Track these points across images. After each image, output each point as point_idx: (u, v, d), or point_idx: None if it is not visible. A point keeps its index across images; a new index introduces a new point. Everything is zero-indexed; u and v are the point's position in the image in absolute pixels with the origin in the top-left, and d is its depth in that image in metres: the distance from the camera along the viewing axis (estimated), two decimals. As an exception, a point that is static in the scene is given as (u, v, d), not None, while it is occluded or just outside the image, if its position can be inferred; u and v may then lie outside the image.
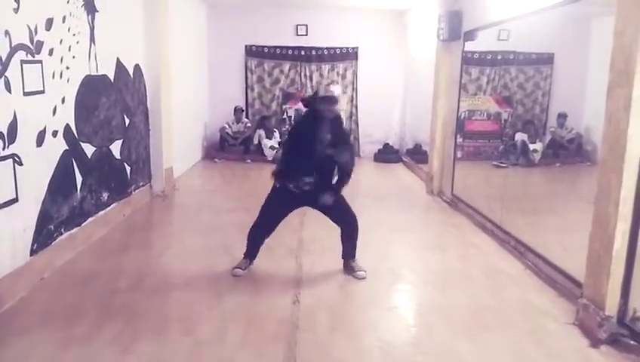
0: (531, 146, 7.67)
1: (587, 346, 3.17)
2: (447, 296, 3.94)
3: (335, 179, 4.09)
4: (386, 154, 10.28)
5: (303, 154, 3.93)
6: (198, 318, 3.42)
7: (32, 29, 3.85)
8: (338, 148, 3.98)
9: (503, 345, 3.21)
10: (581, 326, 3.35)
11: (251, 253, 4.27)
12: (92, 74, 4.93)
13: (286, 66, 10.44)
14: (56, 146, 4.29)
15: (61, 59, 4.31)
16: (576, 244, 3.58)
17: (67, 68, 4.41)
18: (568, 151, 7.57)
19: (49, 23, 4.09)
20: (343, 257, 4.31)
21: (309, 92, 10.36)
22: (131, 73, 5.97)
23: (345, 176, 4.09)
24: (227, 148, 9.91)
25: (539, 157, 7.69)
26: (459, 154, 7.06)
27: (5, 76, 3.52)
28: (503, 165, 7.36)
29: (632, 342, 3.08)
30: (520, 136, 7.78)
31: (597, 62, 5.94)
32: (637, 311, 3.12)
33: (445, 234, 5.58)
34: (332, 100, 4.01)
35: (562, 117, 7.59)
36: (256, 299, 3.78)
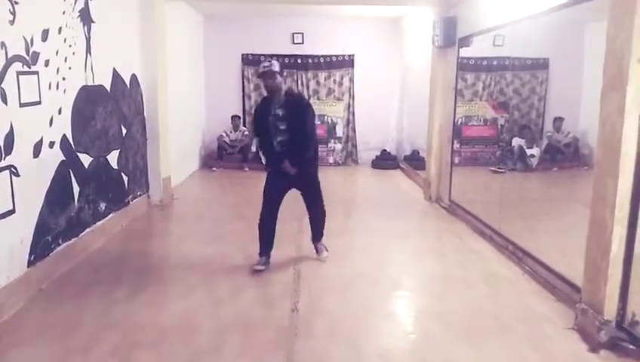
0: (528, 151, 7.70)
1: (586, 351, 3.16)
2: (445, 302, 3.93)
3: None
4: (384, 161, 10.29)
5: (261, 130, 4.39)
6: (197, 327, 3.41)
7: (28, 41, 3.86)
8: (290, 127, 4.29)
9: (502, 351, 3.21)
10: (580, 330, 3.35)
11: (265, 247, 4.49)
12: (88, 84, 4.94)
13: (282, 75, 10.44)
14: (53, 157, 4.29)
15: (57, 70, 4.32)
16: (575, 249, 3.58)
17: (63, 79, 4.42)
18: (565, 156, 7.59)
19: (45, 34, 4.10)
20: (313, 240, 4.75)
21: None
22: (128, 83, 5.98)
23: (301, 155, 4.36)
24: (225, 156, 9.91)
25: (536, 161, 7.71)
26: (456, 160, 7.07)
27: (1, 87, 3.53)
28: (501, 170, 7.37)
29: (630, 346, 3.08)
30: (517, 141, 7.81)
31: (591, 67, 5.98)
32: (635, 315, 3.11)
33: (443, 240, 5.57)
34: (265, 75, 4.20)
35: (558, 121, 7.63)
36: (255, 307, 3.78)
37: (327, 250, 4.72)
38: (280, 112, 4.26)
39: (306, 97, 4.08)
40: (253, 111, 4.82)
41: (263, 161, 4.79)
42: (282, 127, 4.28)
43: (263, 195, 4.49)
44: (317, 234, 4.74)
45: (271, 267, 4.49)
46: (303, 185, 4.53)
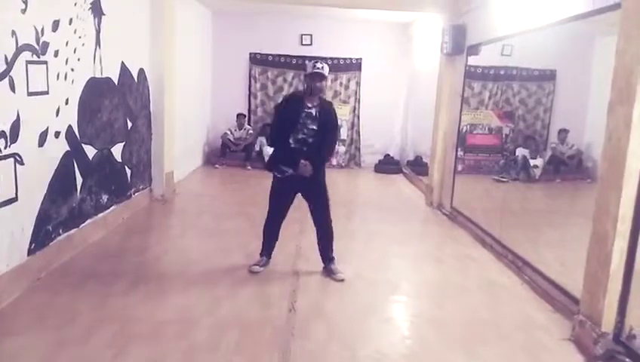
0: (532, 162, 7.68)
1: (582, 363, 3.16)
2: (443, 309, 3.93)
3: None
4: (387, 165, 10.30)
5: (287, 125, 4.22)
6: (194, 323, 3.42)
7: (39, 30, 3.88)
8: (323, 130, 4.22)
9: (498, 359, 3.20)
10: (577, 342, 3.34)
11: (268, 248, 4.48)
12: (96, 76, 4.95)
13: (290, 75, 10.48)
14: (58, 147, 4.30)
15: (66, 61, 4.34)
16: (574, 260, 3.58)
17: (72, 70, 4.44)
18: (569, 168, 7.57)
19: (55, 25, 4.12)
20: (324, 262, 4.49)
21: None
22: (135, 77, 6.00)
23: (321, 157, 4.31)
24: (228, 154, 9.93)
25: (539, 172, 7.69)
26: (459, 168, 7.07)
27: (10, 76, 3.54)
28: (504, 180, 7.36)
29: (627, 360, 3.07)
30: (521, 152, 7.79)
31: (599, 80, 5.97)
32: (633, 329, 3.11)
33: (443, 247, 5.57)
34: (316, 77, 4.16)
35: (563, 133, 7.61)
36: (253, 305, 3.78)
37: (342, 272, 4.39)
38: (313, 111, 4.21)
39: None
40: (279, 103, 4.71)
41: (266, 159, 4.70)
42: (312, 126, 4.20)
43: (269, 202, 4.42)
44: (329, 254, 4.47)
45: (270, 266, 4.49)
46: (312, 193, 4.37)
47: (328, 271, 4.42)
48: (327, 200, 4.41)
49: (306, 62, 4.35)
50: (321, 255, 4.49)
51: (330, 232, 4.46)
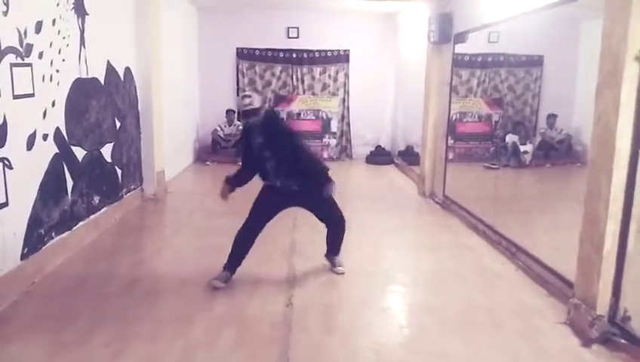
0: (522, 148, 7.73)
1: (578, 345, 3.19)
2: (439, 297, 3.95)
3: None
4: (378, 156, 10.30)
5: (249, 164, 4.10)
6: (191, 321, 3.41)
7: (22, 32, 3.83)
8: (276, 149, 3.96)
9: (495, 345, 3.22)
10: (572, 325, 3.37)
11: (234, 262, 4.08)
12: (82, 77, 4.90)
13: (277, 69, 10.45)
14: (47, 150, 4.26)
15: (51, 63, 4.29)
16: (568, 244, 3.60)
17: (57, 71, 4.39)
18: (558, 152, 7.63)
19: (39, 26, 4.07)
20: (327, 254, 4.41)
21: (301, 94, 10.41)
22: (122, 76, 5.95)
23: (311, 168, 4.03)
24: (219, 150, 9.89)
25: (529, 158, 7.74)
26: (450, 156, 7.09)
27: (-5, 79, 3.50)
28: (494, 166, 7.40)
29: (622, 341, 3.10)
30: (511, 138, 7.84)
31: (586, 64, 6.01)
32: (628, 310, 3.13)
33: (437, 236, 5.59)
34: (249, 113, 3.93)
35: (552, 118, 7.66)
36: (249, 301, 3.77)
37: (343, 266, 4.35)
38: (260, 140, 3.96)
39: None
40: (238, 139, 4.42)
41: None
42: (267, 154, 3.96)
43: (252, 209, 4.13)
44: (333, 249, 4.39)
45: (265, 262, 4.49)
46: (309, 203, 4.15)
47: (331, 262, 4.38)
48: (330, 207, 4.19)
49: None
50: (327, 245, 4.39)
51: (342, 230, 4.30)
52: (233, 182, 4.21)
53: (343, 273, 4.30)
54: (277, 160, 3.97)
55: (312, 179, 4.03)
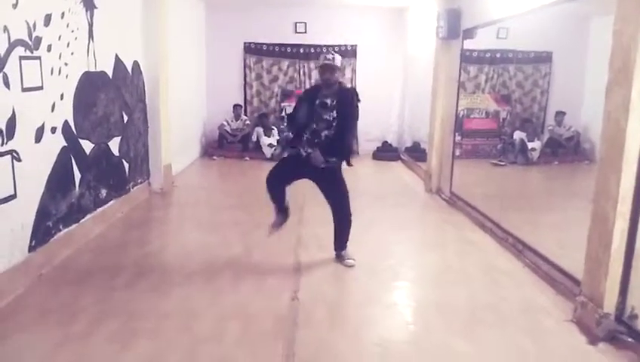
0: (530, 145, 7.70)
1: (585, 343, 3.17)
2: (445, 294, 3.94)
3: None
4: (385, 152, 10.28)
5: (301, 118, 4.13)
6: (197, 315, 3.42)
7: (31, 25, 3.84)
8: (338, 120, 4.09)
9: (501, 343, 3.22)
10: (579, 323, 3.36)
11: (279, 203, 4.33)
12: (90, 70, 4.92)
13: (285, 64, 10.43)
14: (55, 142, 4.28)
15: (60, 56, 4.30)
16: (575, 242, 3.59)
17: (66, 64, 4.40)
18: (566, 150, 7.59)
19: (47, 19, 4.08)
20: (336, 249, 4.44)
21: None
22: (130, 70, 5.96)
23: (338, 148, 4.16)
24: (225, 145, 9.90)
25: (537, 155, 7.71)
26: (457, 153, 7.06)
27: (4, 72, 3.52)
28: (502, 163, 7.38)
29: (629, 340, 3.09)
30: (518, 135, 7.80)
31: (595, 61, 5.96)
32: (635, 309, 3.12)
33: (444, 232, 5.58)
34: (327, 68, 4.05)
35: (560, 115, 7.62)
36: (255, 296, 3.78)
37: (353, 259, 4.40)
38: (328, 101, 4.09)
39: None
40: (302, 92, 4.51)
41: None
42: (326, 116, 4.08)
43: (269, 171, 4.30)
44: (340, 243, 4.43)
45: (271, 257, 4.49)
46: (324, 184, 4.26)
47: (339, 257, 4.42)
48: (343, 193, 4.29)
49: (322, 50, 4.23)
50: (334, 241, 4.44)
51: (346, 223, 4.35)
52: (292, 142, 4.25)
53: (353, 265, 4.32)
54: (326, 126, 4.08)
55: (332, 154, 4.13)
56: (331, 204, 4.33)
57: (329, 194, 4.30)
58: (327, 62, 4.05)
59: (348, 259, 4.37)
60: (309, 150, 4.11)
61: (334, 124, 4.09)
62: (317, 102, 4.10)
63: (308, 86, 10.36)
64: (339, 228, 4.38)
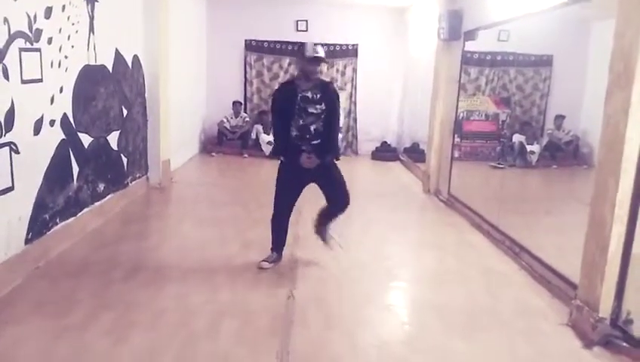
0: (528, 148, 7.71)
1: (580, 347, 3.17)
2: (442, 295, 3.94)
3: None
4: (384, 153, 10.28)
5: (285, 115, 4.02)
6: (193, 311, 3.42)
7: (32, 17, 3.83)
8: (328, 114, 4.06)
9: (497, 345, 3.22)
10: (574, 327, 3.36)
11: (278, 243, 4.28)
12: (90, 64, 4.90)
13: (285, 62, 10.42)
14: (53, 135, 4.27)
15: (60, 48, 4.29)
16: (571, 246, 3.60)
17: (66, 57, 4.39)
18: (565, 154, 7.61)
19: (48, 12, 4.07)
20: (317, 227, 4.42)
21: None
22: (130, 64, 5.94)
23: (332, 146, 4.14)
24: (225, 142, 9.89)
25: (536, 158, 7.72)
26: (456, 154, 7.07)
27: (3, 64, 3.50)
28: (500, 166, 7.38)
29: (624, 344, 3.09)
30: (517, 138, 7.82)
31: (596, 65, 5.97)
32: (630, 314, 3.12)
33: (441, 233, 5.58)
34: (316, 61, 4.00)
35: (560, 119, 7.63)
36: (252, 293, 3.77)
37: (335, 234, 4.39)
38: (309, 94, 4.02)
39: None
40: (274, 92, 4.38)
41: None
42: (311, 110, 4.01)
43: (276, 191, 4.18)
44: (325, 221, 4.36)
45: (268, 254, 4.48)
46: (323, 179, 4.14)
47: (321, 235, 4.42)
48: (342, 182, 4.22)
49: (305, 45, 4.20)
50: (318, 218, 4.38)
51: (341, 208, 4.26)
52: (282, 148, 4.14)
53: (336, 241, 4.34)
54: (314, 120, 4.02)
55: (327, 153, 4.08)
56: (331, 194, 4.22)
57: (329, 188, 4.19)
58: (317, 54, 4.00)
59: (331, 234, 4.38)
60: (303, 146, 4.04)
61: (323, 116, 4.04)
62: (298, 96, 4.01)
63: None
64: (332, 211, 4.29)
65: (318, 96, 4.04)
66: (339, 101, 4.21)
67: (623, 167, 3.03)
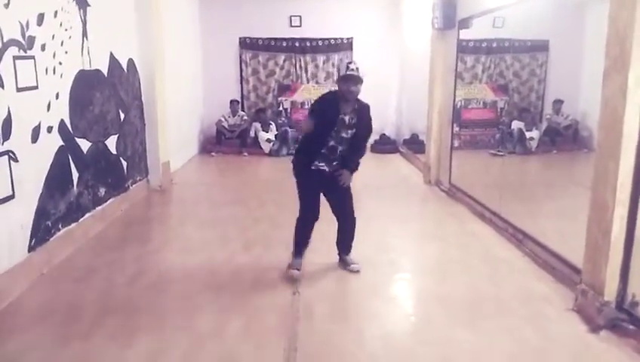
0: (528, 134, 7.68)
1: (586, 332, 3.18)
2: (446, 285, 3.94)
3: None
4: (383, 145, 10.26)
5: (320, 131, 3.79)
6: (198, 312, 3.42)
7: (24, 25, 3.82)
8: (357, 136, 3.92)
9: (503, 332, 3.22)
10: (580, 311, 3.36)
11: (301, 249, 4.09)
12: (85, 69, 4.89)
13: (281, 58, 10.40)
14: (52, 142, 4.26)
15: (54, 55, 4.28)
16: (574, 231, 3.59)
17: (60, 63, 4.38)
18: (565, 138, 7.58)
19: (40, 18, 4.06)
20: (339, 253, 4.27)
21: (305, 83, 10.38)
22: (125, 67, 5.93)
23: (351, 162, 3.99)
24: (223, 141, 9.89)
25: (535, 144, 7.69)
26: (456, 144, 7.05)
27: (-2, 72, 3.50)
28: (500, 153, 7.36)
29: (630, 327, 3.09)
30: (516, 124, 7.79)
31: (592, 48, 5.94)
32: (635, 296, 3.13)
33: (443, 224, 5.58)
34: (351, 79, 3.71)
35: (558, 103, 7.60)
36: (256, 291, 3.78)
37: (357, 263, 4.16)
38: (347, 119, 3.82)
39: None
40: (314, 104, 3.98)
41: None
42: (343, 135, 3.84)
43: (301, 198, 4.00)
44: (345, 247, 4.22)
45: (272, 251, 4.49)
46: (335, 191, 4.02)
47: (343, 261, 4.23)
48: (351, 197, 4.13)
49: (341, 61, 3.86)
50: (338, 245, 4.24)
51: (353, 225, 4.17)
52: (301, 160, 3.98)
53: (358, 271, 4.12)
54: (343, 143, 3.88)
55: (350, 165, 3.97)
56: (339, 209, 4.13)
57: (339, 203, 4.10)
58: (351, 72, 3.70)
59: (353, 264, 4.17)
60: (325, 168, 3.92)
61: (350, 139, 3.89)
62: (339, 117, 3.79)
63: (305, 80, 10.38)
64: (346, 231, 4.18)
65: (354, 121, 3.86)
66: (370, 118, 4.02)
67: (623, 149, 3.02)
